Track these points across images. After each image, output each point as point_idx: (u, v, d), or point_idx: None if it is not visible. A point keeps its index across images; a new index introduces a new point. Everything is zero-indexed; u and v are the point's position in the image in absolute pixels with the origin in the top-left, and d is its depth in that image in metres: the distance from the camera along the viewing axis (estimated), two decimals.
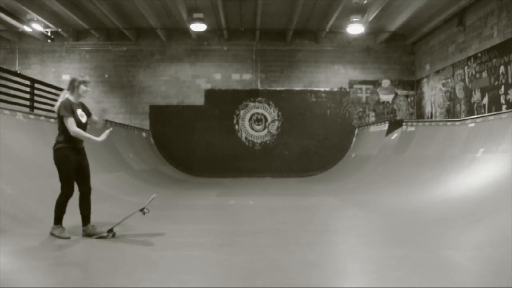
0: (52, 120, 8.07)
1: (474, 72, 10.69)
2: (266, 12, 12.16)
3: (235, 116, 14.52)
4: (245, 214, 6.66)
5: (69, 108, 4.54)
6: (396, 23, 12.69)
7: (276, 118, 14.53)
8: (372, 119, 14.44)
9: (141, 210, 4.70)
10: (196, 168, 14.05)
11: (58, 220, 4.51)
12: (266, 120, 14.55)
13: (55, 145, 4.57)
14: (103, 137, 4.71)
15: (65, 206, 4.53)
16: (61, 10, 11.77)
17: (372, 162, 10.71)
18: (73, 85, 4.68)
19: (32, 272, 3.43)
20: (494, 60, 9.79)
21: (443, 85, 12.47)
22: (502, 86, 9.51)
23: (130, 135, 12.24)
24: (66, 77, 14.28)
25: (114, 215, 6.06)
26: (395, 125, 11.12)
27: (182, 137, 14.32)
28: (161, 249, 4.19)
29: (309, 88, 14.54)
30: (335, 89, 14.58)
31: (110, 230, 4.59)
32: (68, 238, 4.45)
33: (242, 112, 14.53)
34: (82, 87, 4.69)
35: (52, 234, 4.49)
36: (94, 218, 5.73)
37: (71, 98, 4.67)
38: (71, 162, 4.53)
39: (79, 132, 4.56)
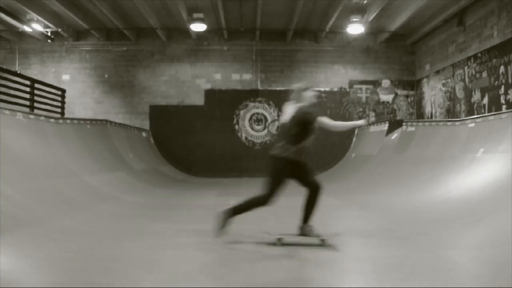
0: (52, 120, 8.08)
1: (474, 72, 10.69)
2: (266, 12, 12.16)
3: (235, 116, 14.51)
4: (245, 214, 6.64)
5: (311, 112, 4.37)
6: (396, 23, 12.68)
7: (276, 118, 14.53)
8: (372, 119, 14.43)
9: (320, 239, 4.33)
10: (196, 168, 14.04)
11: (237, 212, 4.38)
12: (266, 120, 14.55)
13: (280, 150, 4.35)
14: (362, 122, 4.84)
15: (252, 209, 4.38)
16: (61, 10, 11.76)
17: (372, 162, 10.71)
18: (300, 94, 4.49)
19: (32, 272, 3.43)
20: (494, 60, 9.79)
21: (443, 85, 12.47)
22: (502, 86, 9.51)
23: (130, 135, 12.24)
24: (66, 77, 14.32)
25: (114, 215, 6.06)
26: (395, 125, 11.11)
27: (182, 137, 14.32)
28: (161, 249, 4.19)
29: None
30: (335, 89, 14.58)
31: (323, 240, 4.30)
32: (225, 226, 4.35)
33: (242, 112, 14.53)
34: (309, 92, 4.51)
35: (221, 223, 4.36)
36: (94, 218, 5.74)
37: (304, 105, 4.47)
38: (285, 174, 4.33)
39: (335, 124, 4.71)
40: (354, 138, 14.23)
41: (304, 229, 4.45)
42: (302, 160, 4.43)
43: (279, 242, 4.31)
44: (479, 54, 10.39)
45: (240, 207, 4.44)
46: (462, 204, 5.67)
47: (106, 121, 10.82)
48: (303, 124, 4.35)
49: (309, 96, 4.54)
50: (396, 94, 14.63)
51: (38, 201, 5.48)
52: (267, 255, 3.98)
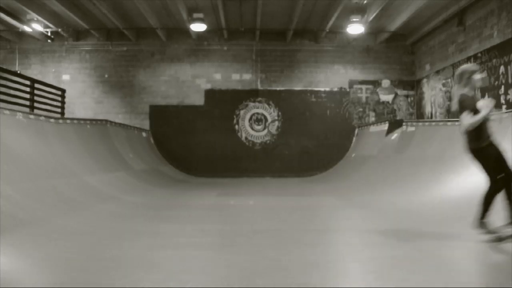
0: (52, 120, 8.08)
1: None
2: (266, 12, 12.16)
3: (235, 116, 14.51)
4: (245, 214, 6.66)
5: (465, 103, 4.22)
6: (396, 23, 12.68)
7: (276, 118, 14.53)
8: (372, 119, 14.43)
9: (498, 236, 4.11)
10: (196, 168, 14.04)
11: (484, 214, 4.19)
12: (266, 120, 14.54)
13: (473, 143, 4.28)
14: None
15: (494, 201, 4.15)
16: (61, 10, 11.76)
17: (372, 162, 10.71)
18: (463, 77, 4.33)
19: (32, 272, 3.43)
20: (494, 60, 9.79)
21: (443, 85, 12.47)
22: (502, 86, 9.51)
23: (130, 135, 12.24)
24: (66, 77, 14.31)
25: (114, 215, 6.06)
26: (395, 125, 11.11)
27: (182, 137, 14.32)
28: (161, 249, 4.19)
29: (309, 88, 14.53)
30: (335, 89, 14.58)
31: None
32: (499, 236, 4.06)
33: (242, 112, 14.53)
34: (475, 76, 4.32)
35: (481, 228, 4.18)
36: (94, 218, 5.74)
37: (465, 92, 4.31)
38: (491, 155, 4.23)
39: (472, 122, 4.17)
40: (354, 138, 14.23)
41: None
42: (496, 145, 4.29)
43: (499, 239, 4.08)
44: (479, 54, 10.39)
45: (483, 208, 4.21)
46: (462, 204, 5.67)
47: (106, 121, 10.82)
48: (469, 110, 4.18)
49: (475, 80, 4.35)
50: (396, 94, 14.63)
51: (38, 201, 5.48)
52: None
